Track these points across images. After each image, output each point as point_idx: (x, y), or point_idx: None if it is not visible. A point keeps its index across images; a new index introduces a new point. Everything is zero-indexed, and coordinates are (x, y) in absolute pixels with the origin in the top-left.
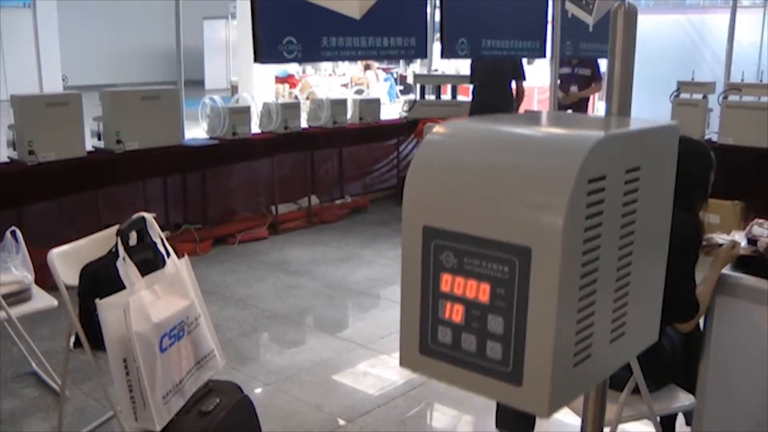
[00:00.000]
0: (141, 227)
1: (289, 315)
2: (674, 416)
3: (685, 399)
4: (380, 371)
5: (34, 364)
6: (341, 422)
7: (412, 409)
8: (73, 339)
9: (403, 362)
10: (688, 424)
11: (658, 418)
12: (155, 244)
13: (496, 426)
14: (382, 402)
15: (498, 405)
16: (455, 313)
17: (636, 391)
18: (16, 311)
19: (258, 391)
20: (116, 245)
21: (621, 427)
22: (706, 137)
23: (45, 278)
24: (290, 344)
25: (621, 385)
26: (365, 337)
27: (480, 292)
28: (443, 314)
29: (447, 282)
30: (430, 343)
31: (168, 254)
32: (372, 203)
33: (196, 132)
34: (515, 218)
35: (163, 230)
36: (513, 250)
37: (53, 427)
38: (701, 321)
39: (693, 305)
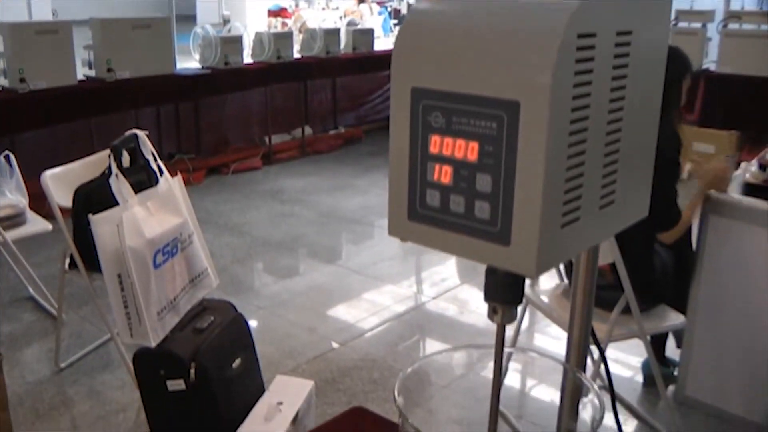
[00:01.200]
0: (133, 146)
1: (283, 242)
2: (664, 339)
3: (675, 319)
4: (374, 296)
5: (31, 289)
6: (334, 345)
7: (405, 333)
8: (68, 261)
9: (392, 230)
10: (679, 346)
11: (649, 338)
12: (148, 161)
13: (485, 298)
14: (376, 325)
15: (487, 277)
16: (444, 174)
17: (627, 310)
18: (11, 235)
19: (252, 315)
20: (109, 165)
21: (612, 345)
22: (704, 66)
23: (39, 207)
24: (284, 271)
25: (612, 305)
26: (359, 264)
27: (468, 151)
28: (432, 177)
29: (436, 143)
30: (419, 208)
31: (161, 173)
32: (366, 134)
33: (189, 65)
34: (504, 73)
35: None
36: (501, 105)
37: (51, 350)
38: (694, 240)
39: (673, 213)
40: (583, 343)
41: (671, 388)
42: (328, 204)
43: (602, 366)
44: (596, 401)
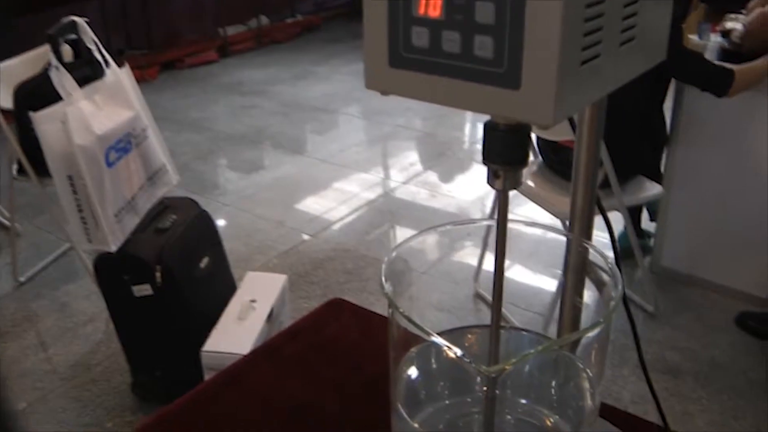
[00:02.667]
0: (75, 38)
1: (246, 136)
2: (639, 211)
3: (652, 189)
4: (342, 185)
5: None
6: (305, 237)
7: (376, 220)
8: (15, 167)
9: (370, 82)
10: (651, 219)
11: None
12: (91, 51)
13: (484, 160)
14: (346, 215)
15: (486, 133)
16: (432, 6)
17: (605, 184)
18: None
19: (219, 212)
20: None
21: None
22: None
23: None
24: (249, 165)
25: None
26: (325, 153)
27: None
28: (417, 10)
29: None
30: (402, 51)
31: (107, 63)
32: (325, 22)
33: None
34: None
35: None
36: None
37: (8, 264)
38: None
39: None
40: (587, 211)
41: (647, 259)
42: (289, 94)
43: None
44: (614, 274)
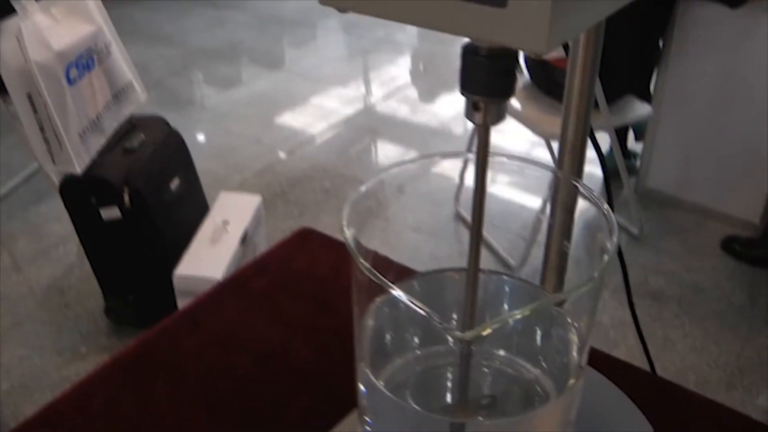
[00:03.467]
0: None
1: (221, 50)
2: (626, 131)
3: (641, 109)
4: (321, 100)
5: None
6: (282, 155)
7: (356, 137)
8: None
9: None
10: (637, 139)
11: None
12: None
13: (462, 90)
14: (325, 131)
15: (464, 58)
16: None
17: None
18: None
19: (193, 129)
20: None
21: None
22: None
23: None
24: (224, 80)
25: None
26: (303, 68)
27: None
28: None
29: None
30: None
31: None
32: None
33: None
34: None
35: None
36: None
37: None
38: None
39: None
40: (579, 145)
41: (632, 180)
42: (265, 6)
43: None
44: (609, 220)
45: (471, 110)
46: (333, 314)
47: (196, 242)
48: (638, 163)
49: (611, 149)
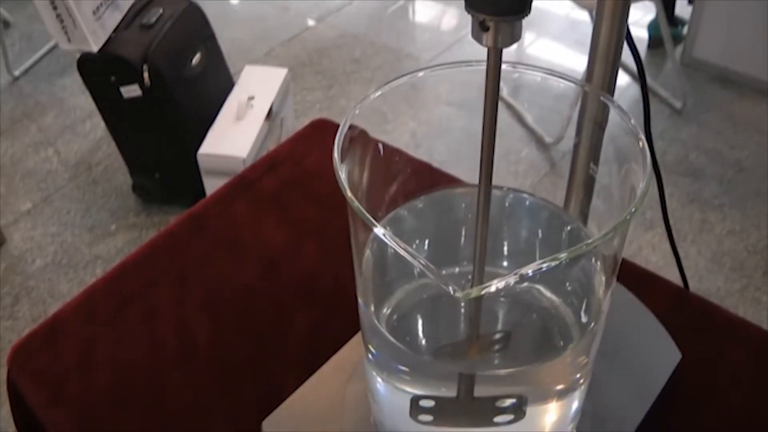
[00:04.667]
0: None
1: None
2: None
3: None
4: None
5: None
6: (310, 23)
7: (387, 3)
8: None
9: None
10: (690, 1)
11: None
12: None
13: (467, 6)
14: None
15: None
16: None
17: None
18: None
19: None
20: None
21: None
22: None
23: None
24: None
25: None
26: None
27: None
28: None
29: None
30: None
31: None
32: None
33: None
34: None
35: None
36: None
37: (1, 56)
38: None
39: None
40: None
41: (678, 49)
42: None
43: None
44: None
45: (478, 31)
46: (345, 218)
47: (220, 119)
48: (685, 30)
49: (657, 16)
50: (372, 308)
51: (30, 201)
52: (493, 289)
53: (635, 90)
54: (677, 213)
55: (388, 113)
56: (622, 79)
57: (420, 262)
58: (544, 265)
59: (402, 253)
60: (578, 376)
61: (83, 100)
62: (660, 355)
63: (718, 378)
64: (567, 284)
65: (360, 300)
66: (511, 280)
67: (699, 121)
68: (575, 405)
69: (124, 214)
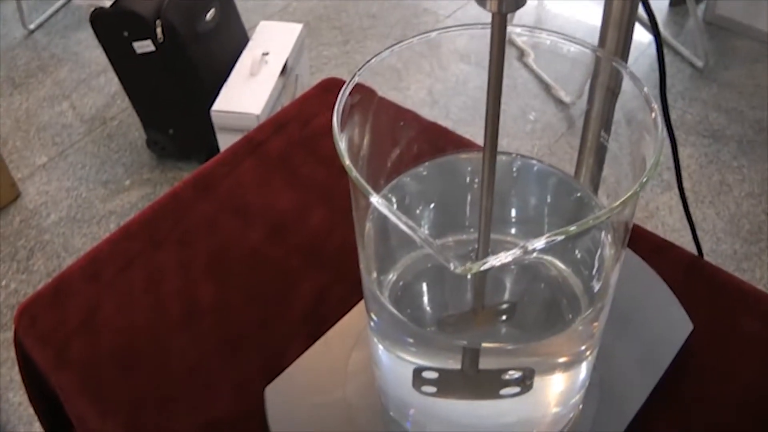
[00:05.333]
0: None
1: None
2: None
3: None
4: None
5: None
6: None
7: None
8: None
9: None
10: None
11: None
12: None
13: None
14: None
15: None
16: None
17: None
18: None
19: None
20: None
21: None
22: None
23: None
24: None
25: None
26: None
27: None
28: None
29: None
30: None
31: None
32: None
33: None
34: None
35: None
36: None
37: (16, 11)
38: None
39: None
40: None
41: (701, 6)
42: None
43: None
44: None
45: None
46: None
47: (234, 76)
48: None
49: None
50: (374, 277)
51: (45, 155)
52: (495, 263)
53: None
54: (695, 175)
55: (403, 71)
56: (644, 36)
57: (419, 235)
58: (552, 239)
59: (400, 224)
60: (585, 347)
61: (98, 55)
62: (671, 325)
63: (730, 349)
64: (576, 253)
65: (362, 268)
66: (515, 254)
67: (720, 80)
68: (583, 376)
69: (138, 170)
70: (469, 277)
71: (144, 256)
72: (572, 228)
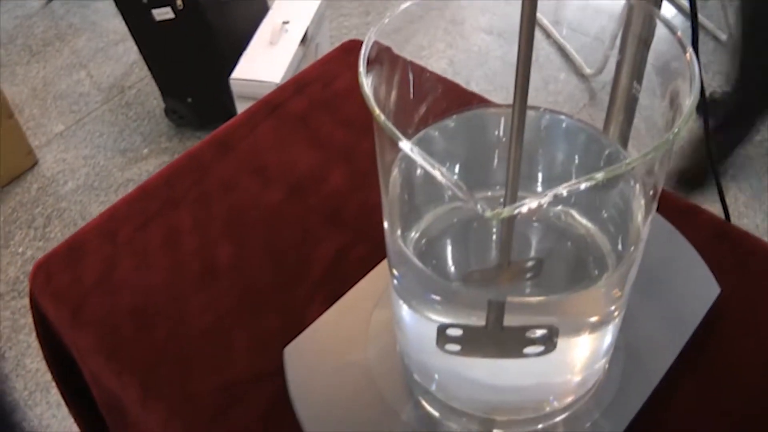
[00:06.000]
0: None
1: None
2: None
3: None
4: None
5: None
6: None
7: None
8: None
9: None
10: None
11: None
12: None
13: None
14: None
15: None
16: None
17: None
18: None
19: None
20: None
21: None
22: None
23: None
24: None
25: None
26: None
27: None
28: None
29: None
30: None
31: None
32: None
33: None
34: None
35: None
36: None
37: None
38: None
39: None
40: None
41: None
42: None
43: None
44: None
45: None
46: (374, 141)
47: (253, 44)
48: None
49: None
50: (398, 232)
51: (62, 123)
52: (525, 209)
53: (679, 21)
54: None
55: (424, 41)
56: (668, 10)
57: (449, 182)
58: (581, 185)
59: (429, 169)
60: (613, 308)
61: (116, 23)
62: (698, 289)
63: (758, 312)
64: (603, 210)
65: (386, 223)
66: (545, 200)
67: None
68: (608, 338)
69: (156, 138)
70: (494, 230)
71: (162, 216)
72: (599, 174)
